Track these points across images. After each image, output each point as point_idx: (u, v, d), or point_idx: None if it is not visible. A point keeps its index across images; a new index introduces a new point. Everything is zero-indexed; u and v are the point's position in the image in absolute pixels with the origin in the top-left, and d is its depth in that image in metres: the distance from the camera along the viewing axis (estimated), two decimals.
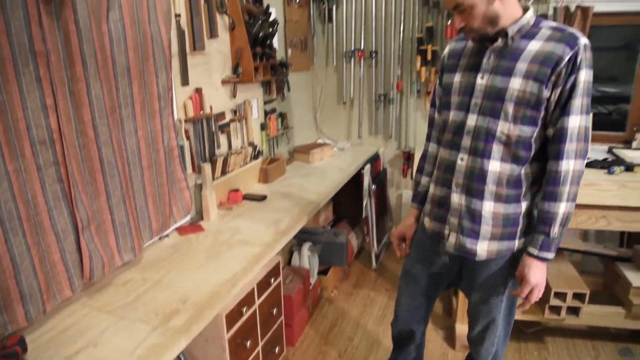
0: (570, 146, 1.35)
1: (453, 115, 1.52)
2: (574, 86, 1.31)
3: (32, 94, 1.35)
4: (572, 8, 3.00)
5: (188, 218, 2.21)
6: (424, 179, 1.78)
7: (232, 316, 1.85)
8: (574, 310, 2.55)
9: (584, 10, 2.97)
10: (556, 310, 2.55)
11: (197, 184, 2.24)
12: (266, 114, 2.87)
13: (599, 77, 3.45)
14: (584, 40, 1.31)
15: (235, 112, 2.49)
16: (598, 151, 2.98)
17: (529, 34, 1.37)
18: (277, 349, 2.31)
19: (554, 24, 1.38)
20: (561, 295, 2.53)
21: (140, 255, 1.86)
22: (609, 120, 3.48)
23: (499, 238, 1.51)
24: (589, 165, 2.59)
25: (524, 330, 2.75)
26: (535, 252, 1.44)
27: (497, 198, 1.47)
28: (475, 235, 1.51)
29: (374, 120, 3.72)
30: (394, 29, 3.43)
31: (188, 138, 2.11)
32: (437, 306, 2.98)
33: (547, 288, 2.59)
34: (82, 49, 1.46)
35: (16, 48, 1.27)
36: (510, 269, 1.55)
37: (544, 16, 3.08)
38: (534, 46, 1.35)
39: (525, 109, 1.37)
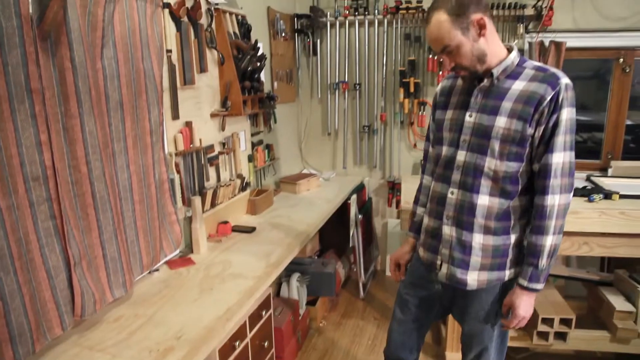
0: (554, 182, 1.40)
1: (445, 150, 1.58)
2: (556, 124, 1.38)
3: (27, 131, 1.35)
4: (547, 43, 3.14)
5: (178, 251, 2.20)
6: (420, 209, 1.83)
7: (225, 351, 1.82)
8: (561, 336, 2.59)
9: (557, 45, 3.11)
10: (544, 335, 2.57)
11: (186, 217, 2.23)
12: (253, 145, 2.90)
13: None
14: (565, 80, 1.38)
15: (223, 144, 2.51)
16: (577, 179, 3.06)
17: (514, 73, 1.45)
18: None
19: (537, 64, 1.45)
20: (548, 321, 2.56)
21: (131, 291, 1.83)
22: (584, 147, 3.59)
23: (489, 268, 1.55)
24: None
25: (513, 356, 2.76)
26: (524, 283, 1.48)
27: (486, 230, 1.51)
28: (466, 265, 1.55)
29: (358, 151, 3.78)
30: (377, 62, 3.53)
31: (178, 171, 2.11)
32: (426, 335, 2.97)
33: (535, 314, 2.62)
34: (77, 86, 1.47)
35: (12, 86, 1.28)
36: (502, 298, 1.58)
37: (521, 51, 3.21)
38: (518, 86, 1.42)
39: (511, 145, 1.43)
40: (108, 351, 1.48)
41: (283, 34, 3.23)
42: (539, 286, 1.47)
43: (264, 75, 2.80)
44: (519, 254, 1.55)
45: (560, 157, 1.39)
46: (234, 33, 2.45)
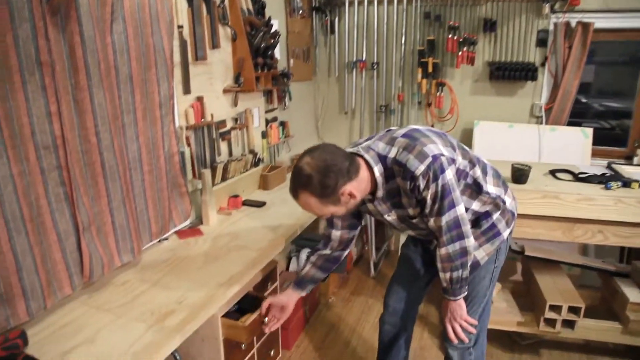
0: (446, 237, 1.53)
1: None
2: (424, 201, 1.49)
3: (37, 102, 1.42)
4: (573, 24, 3.04)
5: (188, 222, 2.28)
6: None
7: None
8: (569, 324, 2.56)
9: (585, 27, 3.01)
10: (551, 323, 2.55)
11: (197, 189, 2.30)
12: (267, 122, 2.94)
13: (603, 91, 3.47)
14: (418, 172, 1.43)
15: (236, 120, 2.56)
16: (597, 166, 2.99)
17: (388, 176, 1.51)
18: (272, 352, 2.35)
19: (395, 156, 1.48)
20: (556, 308, 2.54)
21: (139, 257, 1.93)
22: (611, 135, 3.49)
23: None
24: (586, 180, 2.61)
25: (519, 341, 2.76)
26: (447, 296, 1.68)
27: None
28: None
29: (375, 130, 3.77)
30: (395, 41, 3.49)
31: (189, 145, 2.18)
32: (433, 314, 3.01)
33: (542, 300, 2.61)
34: (86, 59, 1.54)
35: (23, 59, 1.35)
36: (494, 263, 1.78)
37: (545, 32, 3.13)
38: (399, 182, 1.50)
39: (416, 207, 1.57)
40: (113, 311, 1.58)
41: (300, 12, 3.23)
42: (458, 297, 1.66)
43: (278, 53, 2.82)
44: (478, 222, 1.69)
45: (442, 220, 1.50)
46: (248, 9, 2.47)
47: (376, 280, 3.48)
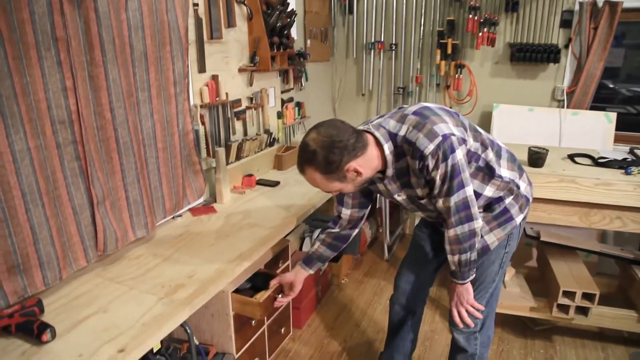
0: (455, 218, 1.52)
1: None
2: (433, 181, 1.47)
3: (53, 77, 1.45)
4: (600, 3, 2.94)
5: (202, 200, 2.31)
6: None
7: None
8: (583, 311, 2.53)
9: (612, 6, 2.90)
10: (564, 309, 2.53)
11: (212, 167, 2.33)
12: (283, 102, 2.94)
13: (632, 76, 3.36)
14: (427, 151, 1.40)
15: (251, 99, 2.57)
16: (619, 151, 2.91)
17: (398, 155, 1.49)
18: (283, 329, 2.40)
19: (405, 135, 1.45)
20: (570, 294, 2.51)
21: (153, 233, 1.97)
22: (637, 120, 3.39)
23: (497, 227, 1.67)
24: (606, 165, 2.55)
25: (531, 327, 2.74)
26: (454, 280, 1.67)
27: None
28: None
29: None
30: (414, 21, 3.43)
31: (203, 123, 2.20)
32: (445, 297, 3.00)
33: (557, 286, 2.58)
34: (101, 36, 1.56)
35: (39, 34, 1.38)
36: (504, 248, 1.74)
37: (570, 12, 3.04)
38: (409, 162, 1.49)
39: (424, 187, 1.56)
40: (126, 284, 1.62)
41: None
42: (466, 281, 1.65)
43: (295, 32, 2.80)
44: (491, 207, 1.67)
45: (450, 201, 1.49)
46: None
47: (389, 263, 3.49)
